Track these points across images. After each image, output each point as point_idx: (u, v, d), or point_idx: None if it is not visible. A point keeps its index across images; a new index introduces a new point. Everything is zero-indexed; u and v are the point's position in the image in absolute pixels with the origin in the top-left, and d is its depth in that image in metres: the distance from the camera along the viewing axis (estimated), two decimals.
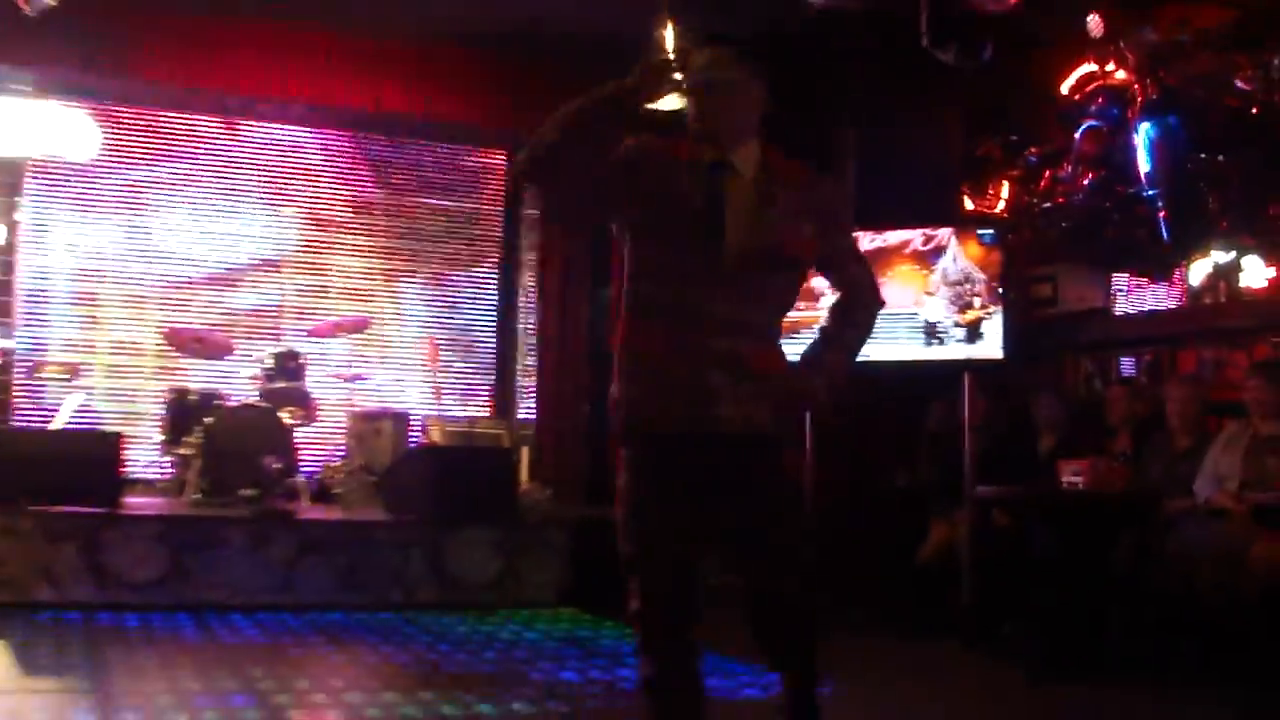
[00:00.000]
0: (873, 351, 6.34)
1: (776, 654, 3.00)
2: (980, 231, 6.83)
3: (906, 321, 6.83)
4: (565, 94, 7.89)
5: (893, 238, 6.87)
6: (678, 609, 2.86)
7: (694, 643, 2.90)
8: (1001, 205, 7.64)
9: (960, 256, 6.71)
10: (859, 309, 3.10)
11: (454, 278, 10.33)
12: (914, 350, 6.80)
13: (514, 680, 5.21)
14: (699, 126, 2.95)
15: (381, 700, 4.70)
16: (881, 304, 3.16)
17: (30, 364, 8.71)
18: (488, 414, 9.98)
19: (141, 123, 9.41)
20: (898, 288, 6.74)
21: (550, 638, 6.32)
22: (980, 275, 6.65)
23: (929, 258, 6.80)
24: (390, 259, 10.10)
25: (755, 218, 2.88)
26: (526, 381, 10.19)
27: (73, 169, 9.04)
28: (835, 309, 3.09)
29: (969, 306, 6.67)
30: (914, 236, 6.85)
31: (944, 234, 6.78)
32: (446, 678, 5.24)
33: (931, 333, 6.82)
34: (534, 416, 9.95)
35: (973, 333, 6.65)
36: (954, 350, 6.70)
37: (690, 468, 2.82)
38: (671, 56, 2.99)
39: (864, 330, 3.12)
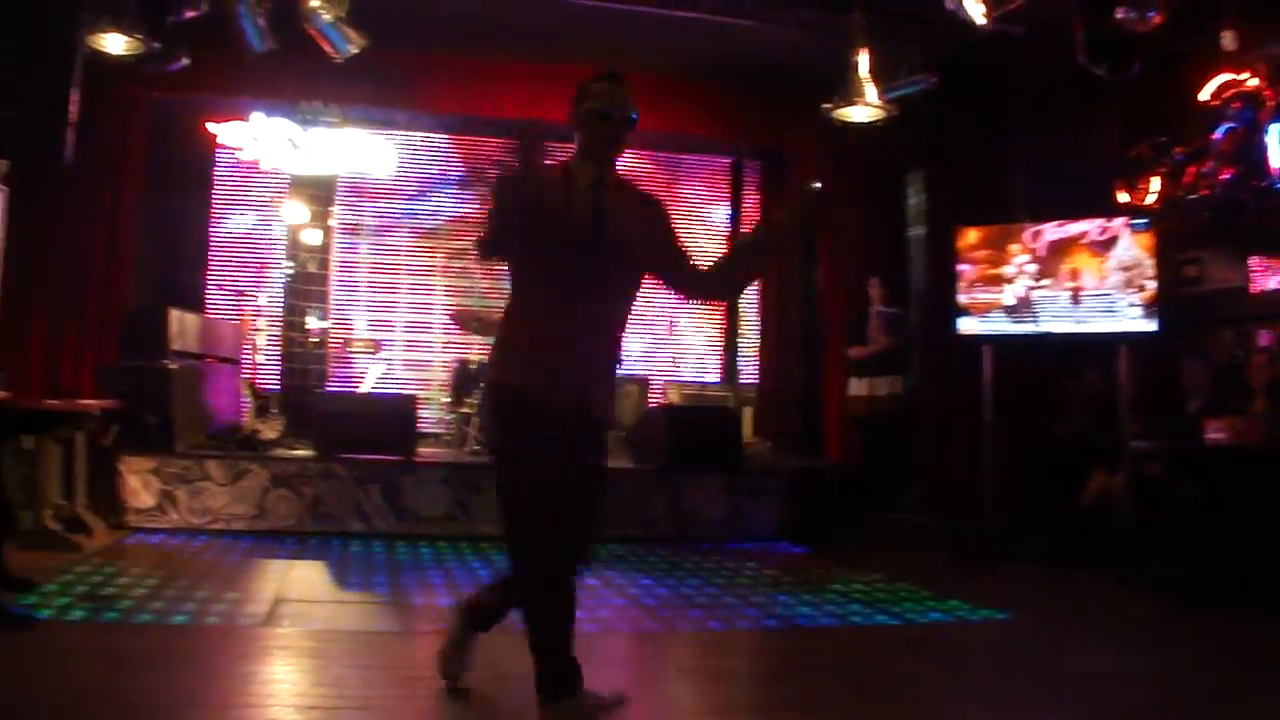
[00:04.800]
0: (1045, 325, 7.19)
1: None
2: (1134, 221, 7.22)
3: (1062, 300, 7.35)
4: (773, 111, 9.09)
5: (1073, 229, 7.33)
6: None
7: None
8: (1152, 198, 7.86)
9: (1133, 245, 7.09)
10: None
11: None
12: (1064, 324, 7.32)
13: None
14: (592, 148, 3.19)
15: (628, 615, 5.19)
16: None
17: (342, 341, 10.16)
18: (717, 379, 10.96)
19: (428, 145, 10.87)
20: (1076, 271, 7.30)
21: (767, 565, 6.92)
22: (1149, 260, 7.03)
23: (1102, 247, 7.21)
24: None
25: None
26: (750, 352, 11.18)
27: (374, 184, 10.53)
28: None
29: (1141, 288, 7.05)
30: (1091, 228, 7.28)
31: (1117, 224, 7.21)
32: (682, 599, 5.67)
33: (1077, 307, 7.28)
34: (756, 381, 10.92)
35: (1148, 309, 7.00)
36: (1113, 324, 7.12)
37: None
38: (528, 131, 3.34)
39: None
